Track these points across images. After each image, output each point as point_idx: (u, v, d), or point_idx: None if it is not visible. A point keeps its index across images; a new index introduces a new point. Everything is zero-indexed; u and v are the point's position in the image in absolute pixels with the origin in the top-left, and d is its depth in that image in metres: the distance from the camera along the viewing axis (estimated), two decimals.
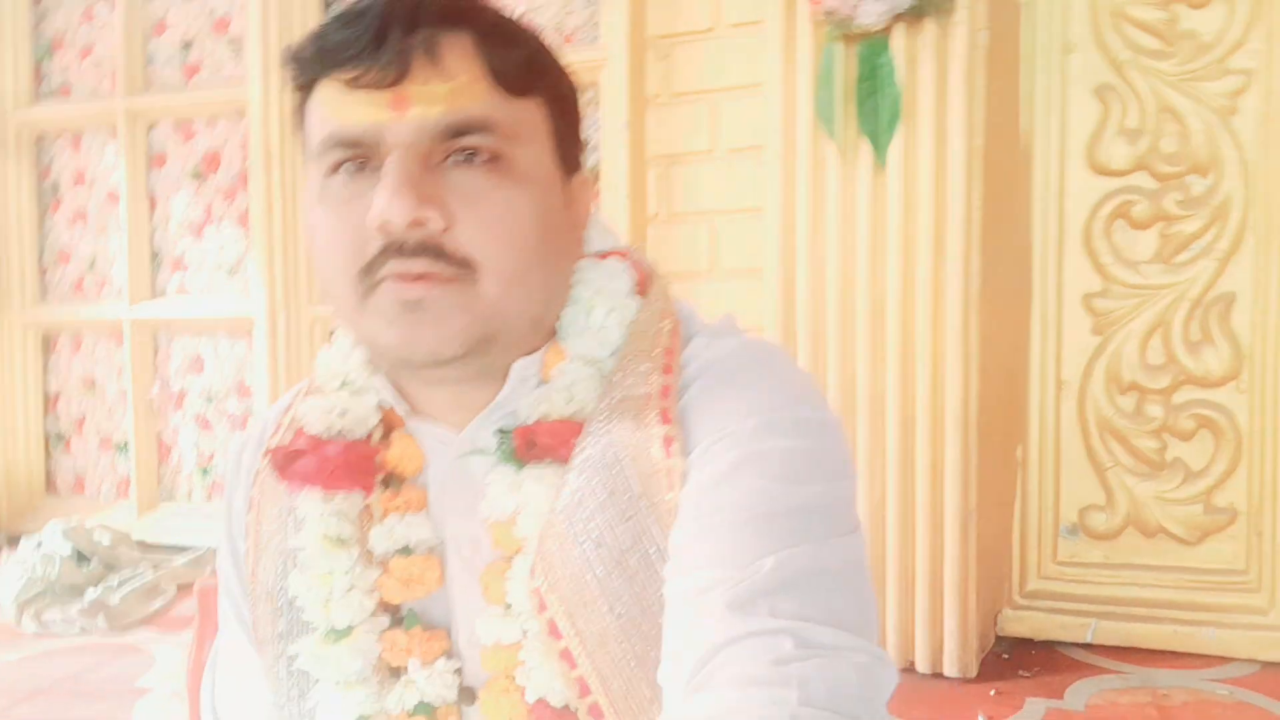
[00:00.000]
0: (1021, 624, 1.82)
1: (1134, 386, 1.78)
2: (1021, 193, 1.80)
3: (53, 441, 2.86)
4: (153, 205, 2.68)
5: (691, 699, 0.44)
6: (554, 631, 0.52)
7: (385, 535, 0.56)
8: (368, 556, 0.57)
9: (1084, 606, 1.79)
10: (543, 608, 0.52)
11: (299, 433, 0.59)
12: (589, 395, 0.54)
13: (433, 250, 0.49)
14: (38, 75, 2.80)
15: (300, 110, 0.54)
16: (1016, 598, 1.84)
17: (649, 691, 0.50)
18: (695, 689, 0.44)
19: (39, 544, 2.30)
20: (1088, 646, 1.77)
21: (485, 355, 0.52)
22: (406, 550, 0.56)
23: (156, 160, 2.68)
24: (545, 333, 0.56)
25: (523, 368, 0.55)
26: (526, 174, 0.52)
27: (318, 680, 0.57)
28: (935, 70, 1.60)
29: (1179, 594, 1.75)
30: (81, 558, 2.29)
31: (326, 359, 0.61)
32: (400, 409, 0.58)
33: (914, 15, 1.57)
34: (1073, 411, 1.82)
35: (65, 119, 2.74)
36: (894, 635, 1.69)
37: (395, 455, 0.58)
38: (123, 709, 1.65)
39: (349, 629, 0.56)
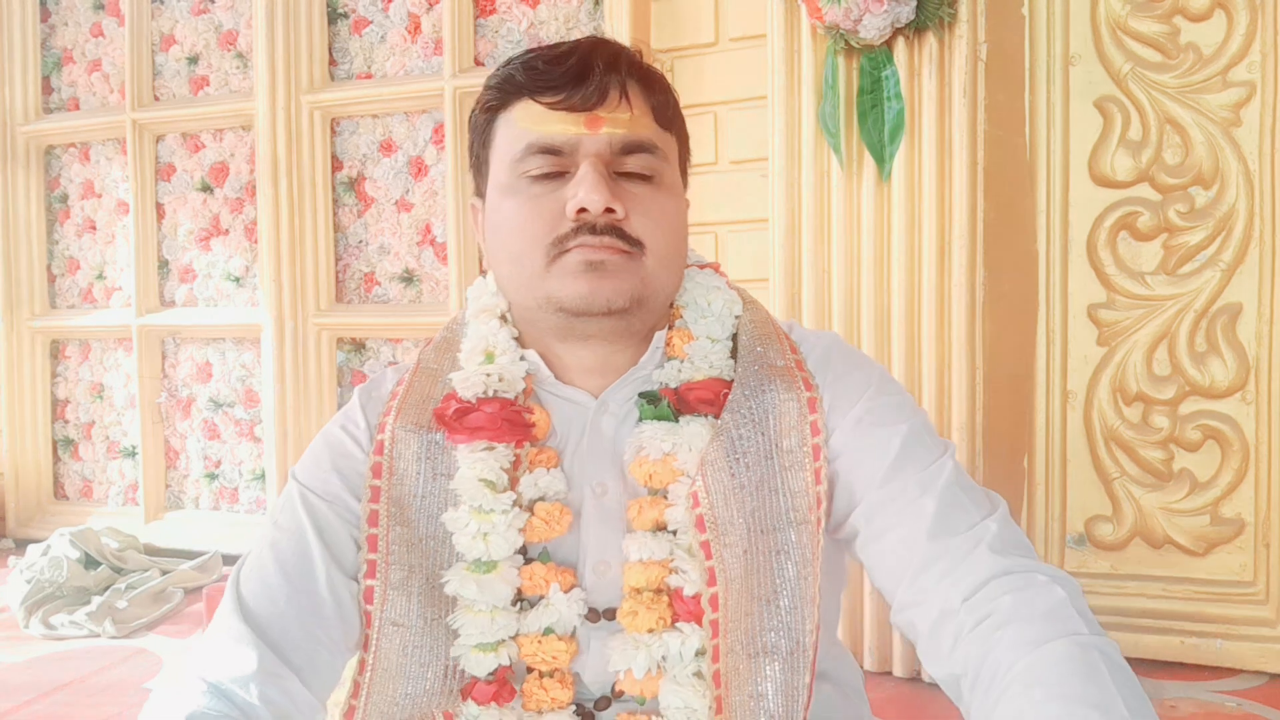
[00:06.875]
0: None
1: (1140, 397, 1.78)
2: (1025, 204, 1.79)
3: (61, 447, 2.87)
4: (161, 215, 2.71)
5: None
6: (706, 550, 0.65)
7: (531, 485, 0.69)
8: (518, 500, 0.69)
9: None
10: (702, 528, 0.65)
11: (451, 397, 0.71)
12: (723, 362, 0.71)
13: (616, 232, 0.66)
14: (47, 89, 2.82)
15: (487, 128, 0.71)
16: None
17: (753, 594, 0.65)
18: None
19: (47, 548, 2.31)
20: None
21: (636, 315, 0.68)
22: (544, 499, 0.69)
23: (164, 172, 2.70)
24: (664, 313, 0.73)
25: (659, 339, 0.71)
26: (671, 188, 0.70)
27: (461, 603, 0.67)
28: (937, 83, 1.60)
29: (1186, 605, 1.74)
30: (89, 562, 2.30)
31: (442, 342, 0.75)
32: (544, 375, 0.71)
33: (916, 29, 1.58)
34: (1079, 422, 1.81)
35: (74, 131, 2.76)
36: (901, 644, 1.69)
37: (533, 419, 0.71)
38: (130, 712, 1.65)
39: (495, 562, 0.67)
